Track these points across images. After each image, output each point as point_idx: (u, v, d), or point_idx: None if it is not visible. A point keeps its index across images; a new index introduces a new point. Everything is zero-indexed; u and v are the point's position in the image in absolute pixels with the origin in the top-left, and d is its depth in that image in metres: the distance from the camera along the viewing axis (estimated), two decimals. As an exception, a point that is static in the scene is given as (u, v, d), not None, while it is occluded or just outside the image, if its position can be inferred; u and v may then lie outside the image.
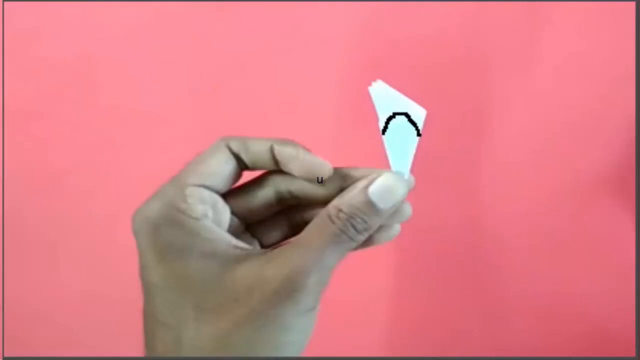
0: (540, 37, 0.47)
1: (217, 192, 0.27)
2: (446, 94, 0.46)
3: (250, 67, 0.47)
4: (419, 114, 0.26)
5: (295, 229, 0.28)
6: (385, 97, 0.26)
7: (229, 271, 0.24)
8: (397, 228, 0.27)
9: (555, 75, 0.47)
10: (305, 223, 0.26)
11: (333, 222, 0.24)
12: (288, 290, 0.23)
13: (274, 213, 0.28)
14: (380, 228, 0.26)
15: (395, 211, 0.25)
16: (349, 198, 0.25)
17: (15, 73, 0.47)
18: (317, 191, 0.27)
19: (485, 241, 0.46)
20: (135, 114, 0.47)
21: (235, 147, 0.27)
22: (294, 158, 0.26)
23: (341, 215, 0.24)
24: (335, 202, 0.25)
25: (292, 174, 0.26)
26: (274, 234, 0.29)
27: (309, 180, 0.26)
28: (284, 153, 0.26)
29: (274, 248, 0.25)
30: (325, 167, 0.26)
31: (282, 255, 0.24)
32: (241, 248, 0.25)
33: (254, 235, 0.28)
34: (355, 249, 0.25)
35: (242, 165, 0.27)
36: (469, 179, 0.46)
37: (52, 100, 0.47)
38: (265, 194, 0.27)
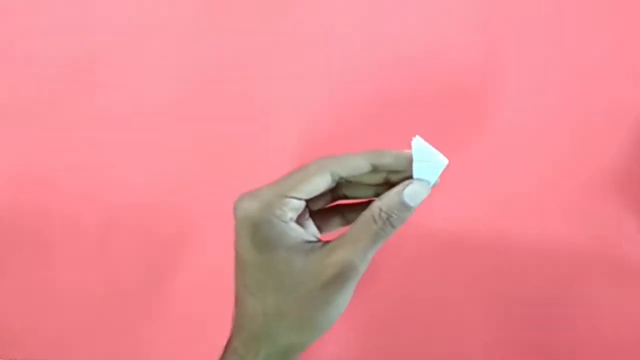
0: (548, 35, 0.47)
1: (305, 201, 0.35)
2: (449, 93, 0.46)
3: (250, 67, 0.47)
4: (442, 162, 0.35)
5: (347, 221, 0.38)
6: (422, 147, 0.35)
7: (302, 260, 0.33)
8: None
9: (561, 74, 0.47)
10: (354, 217, 0.34)
11: (376, 222, 0.33)
12: (340, 277, 0.32)
13: (330, 207, 0.37)
14: None
15: None
16: (388, 199, 0.33)
17: (14, 73, 0.47)
18: (363, 178, 0.35)
19: (489, 241, 0.46)
20: (135, 114, 0.47)
21: (337, 169, 0.35)
22: (396, 160, 0.35)
23: (382, 214, 0.33)
24: (377, 204, 0.33)
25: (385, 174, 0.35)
26: (332, 224, 0.38)
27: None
28: (387, 161, 0.35)
29: (332, 242, 0.34)
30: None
31: (338, 249, 0.33)
32: (310, 242, 0.34)
33: (315, 223, 0.37)
34: None
35: (337, 179, 0.35)
36: (472, 181, 0.46)
37: (50, 100, 0.47)
38: (324, 180, 0.35)
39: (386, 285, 0.46)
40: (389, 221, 0.33)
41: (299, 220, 0.35)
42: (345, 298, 0.34)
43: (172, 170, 0.47)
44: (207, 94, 0.47)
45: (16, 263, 0.46)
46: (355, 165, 0.35)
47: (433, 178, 0.34)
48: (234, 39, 0.47)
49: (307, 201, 0.36)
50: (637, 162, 0.46)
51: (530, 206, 0.46)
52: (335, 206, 0.39)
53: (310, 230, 0.37)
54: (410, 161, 0.34)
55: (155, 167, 0.47)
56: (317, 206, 0.37)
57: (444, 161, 0.35)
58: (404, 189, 0.34)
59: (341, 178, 0.35)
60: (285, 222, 0.34)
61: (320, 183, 0.34)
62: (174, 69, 0.47)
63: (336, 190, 0.38)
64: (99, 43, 0.47)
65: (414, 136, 0.35)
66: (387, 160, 0.35)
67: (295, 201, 0.34)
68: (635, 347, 0.45)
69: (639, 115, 0.46)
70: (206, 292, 0.45)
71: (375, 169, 0.35)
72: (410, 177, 0.34)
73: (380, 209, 0.33)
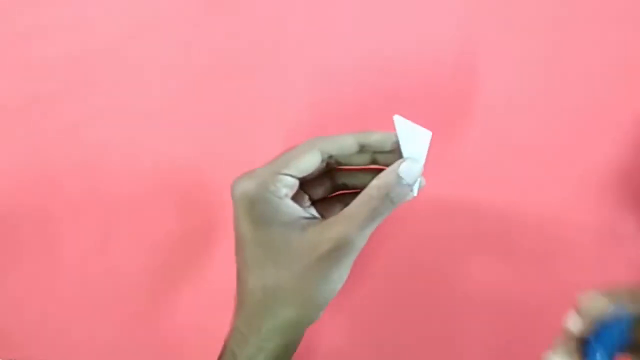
0: (548, 35, 0.47)
1: (299, 178, 0.36)
2: (449, 94, 0.46)
3: (251, 66, 0.47)
4: (426, 135, 0.36)
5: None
6: (403, 125, 0.36)
7: (298, 235, 0.34)
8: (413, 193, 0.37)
9: (559, 73, 0.47)
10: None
11: (374, 198, 0.34)
12: (336, 252, 0.33)
13: (330, 193, 0.39)
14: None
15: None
16: (385, 176, 0.34)
17: (13, 72, 0.47)
18: (352, 159, 0.37)
19: (489, 242, 0.46)
20: (134, 114, 0.47)
21: (325, 146, 0.36)
22: (383, 139, 0.36)
23: (381, 190, 0.34)
24: (375, 182, 0.34)
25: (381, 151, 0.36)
26: (334, 211, 0.38)
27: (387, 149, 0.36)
28: (374, 140, 0.36)
29: (330, 219, 0.34)
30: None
31: (335, 224, 0.34)
32: (307, 218, 0.35)
33: (318, 212, 0.39)
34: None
35: (326, 158, 0.36)
36: (473, 179, 0.46)
37: (49, 100, 0.47)
38: (314, 156, 0.36)
39: (384, 280, 0.46)
40: (388, 197, 0.34)
41: (299, 205, 0.36)
42: (341, 273, 0.34)
43: (173, 168, 0.47)
44: (207, 92, 0.47)
45: (16, 263, 0.46)
46: (343, 144, 0.36)
47: (422, 153, 0.35)
48: (234, 39, 0.47)
49: (307, 187, 0.37)
50: (637, 162, 0.46)
51: (529, 206, 0.46)
52: (337, 195, 0.40)
53: (310, 212, 0.38)
54: (396, 142, 0.35)
55: (155, 166, 0.47)
56: (317, 194, 0.39)
57: (428, 134, 0.36)
58: (398, 166, 0.34)
59: (331, 157, 0.37)
60: (280, 197, 0.35)
61: (310, 160, 0.36)
62: (174, 69, 0.47)
63: (334, 179, 0.39)
64: (98, 43, 0.47)
65: (394, 115, 0.35)
66: (373, 138, 0.36)
67: (288, 178, 0.35)
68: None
69: (639, 115, 0.46)
70: (211, 288, 0.45)
71: (362, 149, 0.36)
72: (400, 158, 0.35)
73: (379, 186, 0.34)
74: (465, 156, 0.46)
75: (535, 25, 0.47)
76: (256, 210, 0.34)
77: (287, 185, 0.35)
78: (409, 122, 0.36)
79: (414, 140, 0.35)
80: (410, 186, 0.35)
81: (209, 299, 0.45)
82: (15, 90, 0.47)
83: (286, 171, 0.35)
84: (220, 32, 0.47)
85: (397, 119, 0.36)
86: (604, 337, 0.28)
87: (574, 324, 0.30)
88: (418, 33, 0.47)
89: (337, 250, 0.33)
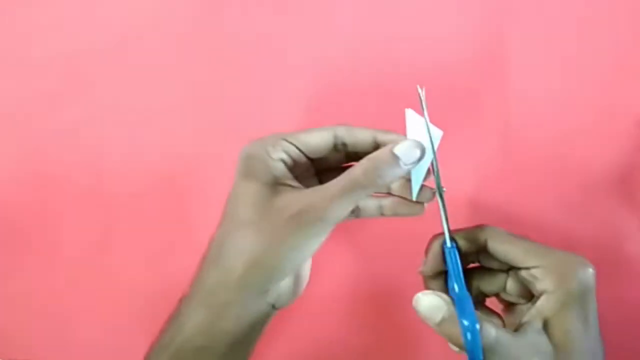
0: (547, 34, 0.47)
1: (306, 155, 0.36)
2: (450, 95, 0.46)
3: (251, 66, 0.47)
4: (438, 133, 0.34)
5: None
6: (414, 120, 0.34)
7: (275, 196, 0.33)
8: (421, 209, 0.36)
9: (560, 74, 0.47)
10: None
11: (357, 169, 0.32)
12: (299, 218, 0.32)
13: (339, 168, 0.37)
14: (406, 206, 0.36)
15: (422, 191, 0.35)
16: (377, 153, 0.33)
17: (13, 72, 0.47)
18: (365, 148, 0.35)
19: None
20: (134, 114, 0.47)
21: (341, 132, 0.35)
22: (397, 140, 0.34)
23: (367, 163, 0.32)
24: (367, 155, 0.33)
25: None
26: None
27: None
28: (388, 138, 0.34)
29: (311, 188, 0.33)
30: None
31: (308, 193, 0.33)
32: (293, 185, 0.34)
33: (321, 181, 0.37)
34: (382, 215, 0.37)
35: (341, 145, 0.36)
36: (474, 178, 0.46)
37: (49, 100, 0.47)
38: (326, 135, 0.35)
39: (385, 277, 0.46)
40: (373, 172, 0.32)
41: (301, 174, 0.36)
42: (304, 242, 0.32)
43: (173, 168, 0.47)
44: (207, 92, 0.47)
45: (16, 262, 0.46)
46: (358, 135, 0.35)
47: (430, 151, 0.34)
48: (234, 38, 0.47)
49: (321, 175, 0.37)
50: (637, 162, 0.46)
51: (530, 206, 0.46)
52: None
53: (313, 184, 0.37)
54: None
55: (155, 166, 0.47)
56: (317, 154, 0.37)
57: (439, 132, 0.34)
58: (395, 145, 0.33)
59: (344, 145, 0.36)
60: (273, 159, 0.34)
61: (319, 138, 0.35)
62: (172, 70, 0.47)
63: (338, 148, 0.37)
64: (98, 43, 0.47)
65: (406, 109, 0.34)
66: (388, 138, 0.35)
67: (290, 146, 0.35)
68: (635, 347, 0.45)
69: (639, 115, 0.46)
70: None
71: (377, 146, 0.35)
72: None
73: (368, 159, 0.33)
74: (466, 156, 0.46)
75: (534, 25, 0.47)
76: (247, 164, 0.34)
77: (287, 151, 0.35)
78: (420, 118, 0.34)
79: (424, 137, 0.34)
80: (402, 166, 0.32)
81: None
82: (16, 90, 0.47)
83: (290, 139, 0.35)
84: (220, 32, 0.47)
85: (409, 113, 0.34)
86: (450, 264, 0.34)
87: (426, 265, 0.36)
88: (422, 31, 0.47)
89: (303, 215, 0.32)
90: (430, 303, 0.31)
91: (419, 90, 0.34)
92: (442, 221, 0.35)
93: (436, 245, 0.35)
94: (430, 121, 0.34)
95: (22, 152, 0.47)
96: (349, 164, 0.38)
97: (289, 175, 0.35)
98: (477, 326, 0.30)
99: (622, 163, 0.46)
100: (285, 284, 0.35)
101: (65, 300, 0.46)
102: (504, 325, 0.37)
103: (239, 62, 0.47)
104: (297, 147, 0.35)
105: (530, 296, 0.35)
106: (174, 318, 0.35)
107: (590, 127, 0.46)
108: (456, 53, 0.47)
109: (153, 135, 0.47)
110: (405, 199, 0.36)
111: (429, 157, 0.34)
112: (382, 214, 0.38)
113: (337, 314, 0.46)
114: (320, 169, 0.38)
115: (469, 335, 0.30)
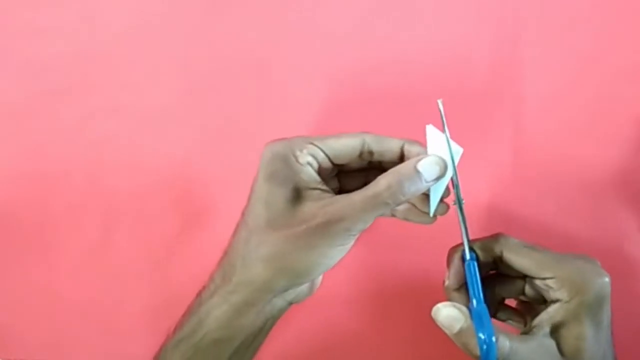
0: (547, 34, 0.47)
1: (330, 159, 0.36)
2: (451, 96, 0.46)
3: (251, 66, 0.47)
4: (458, 151, 0.34)
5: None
6: (435, 136, 0.34)
7: (301, 203, 0.33)
8: (433, 220, 0.37)
9: (560, 73, 0.47)
10: None
11: (382, 185, 0.33)
12: (326, 228, 0.32)
13: (359, 170, 0.37)
14: (418, 214, 0.37)
15: (438, 206, 0.36)
16: (400, 167, 0.33)
17: (13, 71, 0.47)
18: (391, 157, 0.36)
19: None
20: (134, 114, 0.47)
21: (369, 139, 0.36)
22: (421, 152, 0.35)
23: (391, 179, 0.33)
24: (392, 169, 0.33)
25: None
26: (355, 184, 0.37)
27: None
28: (415, 151, 0.35)
29: (340, 195, 0.34)
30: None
31: (336, 202, 0.33)
32: (321, 190, 0.34)
33: (340, 182, 0.38)
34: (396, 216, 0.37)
35: (367, 153, 0.36)
36: (473, 181, 0.46)
37: (49, 99, 0.47)
38: (353, 142, 0.36)
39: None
40: (399, 189, 0.33)
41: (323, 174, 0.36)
42: (328, 251, 0.33)
43: (173, 168, 0.47)
44: (207, 92, 0.47)
45: (16, 262, 0.46)
46: (385, 144, 0.36)
47: (450, 168, 0.34)
48: (233, 38, 0.47)
49: (345, 181, 0.37)
50: (637, 162, 0.46)
51: (531, 207, 0.46)
52: (363, 171, 0.39)
53: (332, 184, 0.38)
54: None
55: (155, 166, 0.47)
56: (342, 159, 0.37)
57: (459, 150, 0.34)
58: (418, 161, 0.34)
59: (371, 153, 0.36)
60: (301, 164, 0.34)
61: (347, 144, 0.35)
62: (172, 70, 0.47)
63: (364, 156, 0.37)
64: (99, 42, 0.47)
65: (427, 125, 0.35)
66: (414, 150, 0.35)
67: (317, 150, 0.35)
68: (636, 348, 0.45)
69: (639, 115, 0.46)
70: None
71: (402, 157, 0.36)
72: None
73: (392, 173, 0.33)
74: (478, 161, 0.46)
75: (535, 26, 0.47)
76: (273, 167, 0.34)
77: (314, 155, 0.35)
78: (441, 134, 0.34)
79: (444, 153, 0.34)
80: (424, 181, 0.34)
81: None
82: (16, 90, 0.47)
83: (318, 143, 0.35)
84: (220, 32, 0.47)
85: (430, 129, 0.35)
86: (470, 278, 0.34)
87: (449, 280, 0.36)
88: (429, 35, 0.47)
89: (328, 227, 0.33)
90: (448, 314, 0.33)
91: (439, 106, 0.34)
92: (462, 234, 0.35)
93: (456, 259, 0.36)
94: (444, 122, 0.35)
95: (22, 151, 0.47)
96: (369, 167, 0.38)
97: (316, 179, 0.35)
98: (494, 339, 0.31)
99: (621, 164, 0.46)
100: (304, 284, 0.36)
101: (65, 300, 0.46)
102: (525, 323, 0.38)
103: (239, 62, 0.47)
104: (324, 152, 0.36)
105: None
106: (193, 313, 0.36)
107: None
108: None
109: (153, 135, 0.47)
110: (418, 208, 0.37)
111: (448, 174, 0.34)
112: (393, 215, 0.38)
113: (345, 309, 0.46)
114: (340, 170, 0.38)
115: (485, 348, 0.31)
